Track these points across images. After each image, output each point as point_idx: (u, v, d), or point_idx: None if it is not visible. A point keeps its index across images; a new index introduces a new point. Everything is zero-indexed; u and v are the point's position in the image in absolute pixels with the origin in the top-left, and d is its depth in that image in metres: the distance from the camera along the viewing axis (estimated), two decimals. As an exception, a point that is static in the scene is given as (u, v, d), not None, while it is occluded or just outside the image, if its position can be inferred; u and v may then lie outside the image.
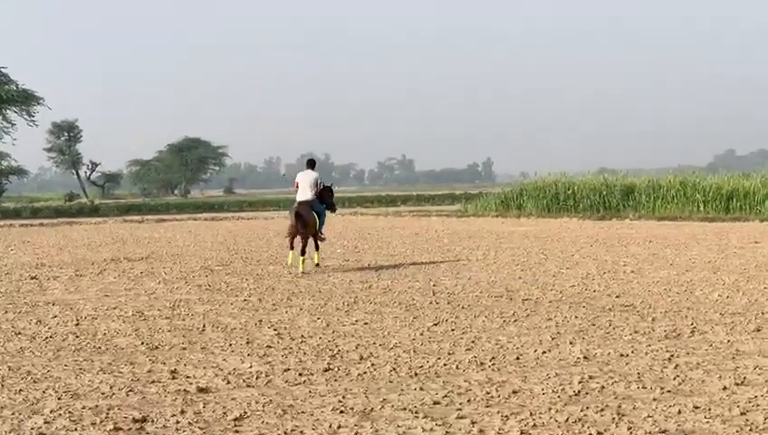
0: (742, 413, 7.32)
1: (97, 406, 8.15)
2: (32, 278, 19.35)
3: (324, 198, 20.97)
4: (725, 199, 39.51)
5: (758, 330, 11.21)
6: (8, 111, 79.45)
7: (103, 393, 8.68)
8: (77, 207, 66.39)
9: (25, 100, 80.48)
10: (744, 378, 8.57)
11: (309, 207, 20.29)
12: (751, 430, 6.86)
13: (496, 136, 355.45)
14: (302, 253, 19.68)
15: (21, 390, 8.69)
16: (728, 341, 10.52)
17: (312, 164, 21.25)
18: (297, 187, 20.68)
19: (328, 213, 21.13)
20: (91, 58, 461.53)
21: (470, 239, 28.92)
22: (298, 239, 19.88)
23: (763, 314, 12.53)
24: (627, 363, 9.43)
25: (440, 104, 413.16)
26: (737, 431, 6.82)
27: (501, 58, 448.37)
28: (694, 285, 15.94)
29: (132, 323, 13.01)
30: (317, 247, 20.50)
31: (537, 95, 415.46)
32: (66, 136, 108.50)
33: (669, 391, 8.14)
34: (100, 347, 11.22)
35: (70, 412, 7.90)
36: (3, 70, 79.81)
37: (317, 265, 20.21)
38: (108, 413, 7.87)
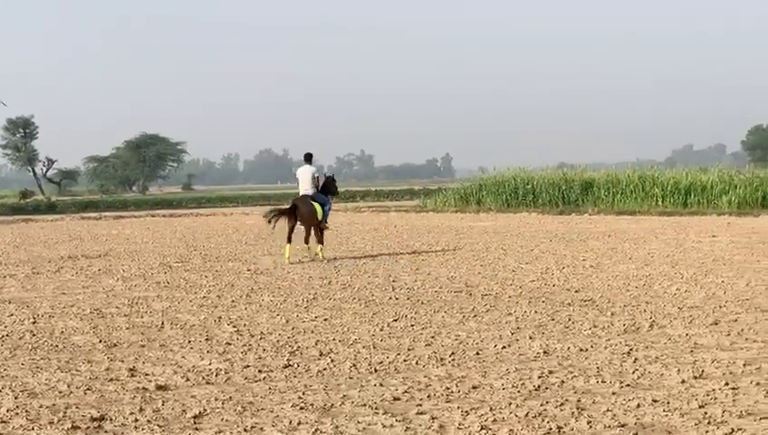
0: (700, 406, 7.40)
1: (54, 405, 8.08)
2: (-13, 276, 19.04)
3: (329, 189, 22.34)
4: (683, 194, 40.05)
5: (716, 323, 11.32)
6: None
7: (61, 392, 8.61)
8: (33, 204, 65.73)
9: None
10: (703, 371, 8.68)
11: (309, 199, 21.25)
12: (709, 423, 6.93)
13: (456, 131, 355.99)
14: (289, 240, 20.90)
15: (-24, 389, 8.50)
16: (686, 334, 10.64)
17: (308, 158, 22.08)
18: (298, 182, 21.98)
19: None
20: (47, 54, 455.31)
21: (429, 235, 29.00)
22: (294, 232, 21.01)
23: (720, 307, 12.65)
24: (586, 358, 9.50)
25: (399, 99, 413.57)
26: (696, 425, 6.90)
27: (460, 53, 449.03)
28: (652, 279, 16.09)
29: (90, 321, 12.90)
30: (320, 241, 21.47)
31: (496, 91, 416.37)
32: (22, 133, 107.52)
33: (628, 385, 8.22)
34: (57, 345, 11.12)
35: (27, 411, 7.83)
36: None
37: (318, 256, 21.31)
38: (65, 412, 7.80)
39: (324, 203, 21.59)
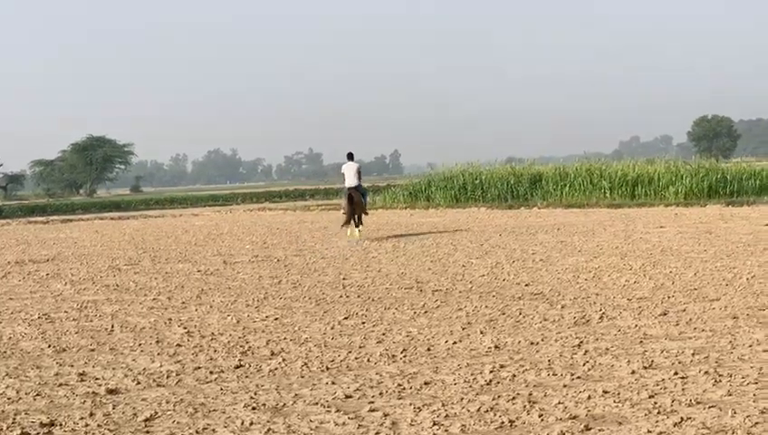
0: (650, 396, 7.50)
1: (3, 411, 8.03)
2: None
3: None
4: (631, 186, 40.32)
5: (665, 314, 11.44)
6: None
7: (9, 398, 8.58)
8: None
9: None
10: (652, 362, 8.79)
11: (356, 190, 26.43)
12: (659, 412, 7.02)
13: (403, 128, 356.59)
14: (357, 225, 26.55)
15: (-76, 396, 8.41)
16: (636, 325, 10.74)
17: (351, 156, 27.41)
18: (344, 177, 27.01)
19: None
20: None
21: (379, 232, 28.96)
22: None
23: (669, 298, 12.76)
24: (537, 351, 9.56)
25: (346, 97, 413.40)
26: (646, 415, 6.99)
27: (407, 51, 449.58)
28: (601, 271, 16.22)
29: (38, 326, 12.79)
30: (360, 223, 26.93)
31: (442, 87, 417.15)
32: None
33: (579, 377, 8.31)
34: (5, 351, 11.02)
35: None
36: None
37: (360, 235, 26.35)
38: (15, 418, 7.77)
39: (365, 193, 27.36)
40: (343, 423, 7.21)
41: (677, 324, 10.65)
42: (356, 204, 26.21)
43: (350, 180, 26.69)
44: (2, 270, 21.48)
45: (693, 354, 9.01)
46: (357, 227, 26.54)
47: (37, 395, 8.59)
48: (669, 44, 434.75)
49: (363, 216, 27.13)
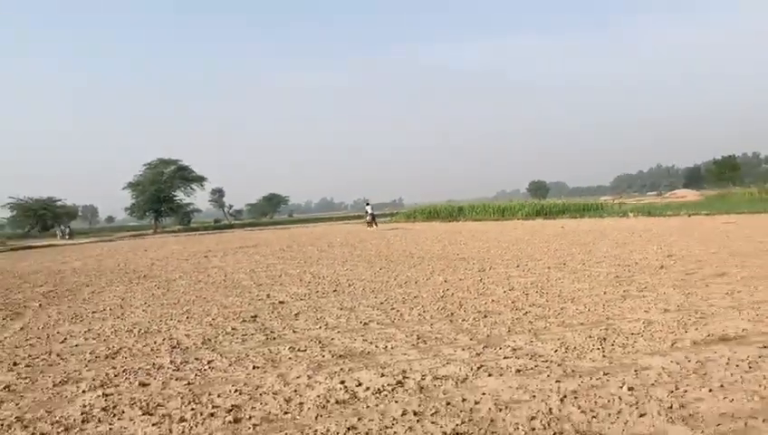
0: (512, 302, 7.56)
1: (235, 311, 7.91)
2: None
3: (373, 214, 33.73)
4: (502, 211, 41.27)
5: (518, 266, 11.27)
6: None
7: (237, 305, 8.40)
8: (221, 225, 66.33)
9: None
10: (512, 287, 8.77)
11: (372, 215, 33.10)
12: (516, 310, 7.05)
13: (405, 183, 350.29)
14: (375, 226, 31.91)
15: None
16: (505, 272, 10.63)
17: (368, 202, 33.46)
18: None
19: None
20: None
21: (393, 233, 29.09)
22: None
23: (519, 259, 12.48)
24: (463, 283, 9.47)
25: (381, 173, 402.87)
26: (510, 311, 7.00)
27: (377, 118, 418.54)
28: (490, 248, 15.71)
29: (249, 274, 12.58)
30: (376, 225, 32.62)
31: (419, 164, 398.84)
32: (218, 195, 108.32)
33: (481, 294, 8.30)
34: (235, 285, 10.75)
35: (223, 316, 7.70)
36: None
37: (376, 229, 30.30)
38: (239, 314, 7.66)
39: (375, 216, 33.28)
40: (379, 315, 7.20)
41: (523, 271, 10.60)
42: (371, 219, 32.85)
43: (370, 211, 33.20)
44: (233, 251, 21.27)
45: (530, 284, 8.98)
46: (375, 226, 32.39)
47: (249, 304, 8.63)
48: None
49: (376, 225, 33.18)
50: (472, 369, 4.97)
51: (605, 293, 7.84)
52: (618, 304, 7.07)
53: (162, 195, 61.69)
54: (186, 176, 64.40)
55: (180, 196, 64.51)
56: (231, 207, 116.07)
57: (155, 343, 6.49)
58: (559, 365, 4.98)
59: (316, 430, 3.99)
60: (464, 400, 4.38)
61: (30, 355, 6.29)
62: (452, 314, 7.07)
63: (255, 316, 7.55)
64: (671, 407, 4.09)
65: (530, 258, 12.55)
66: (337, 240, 25.14)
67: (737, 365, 4.76)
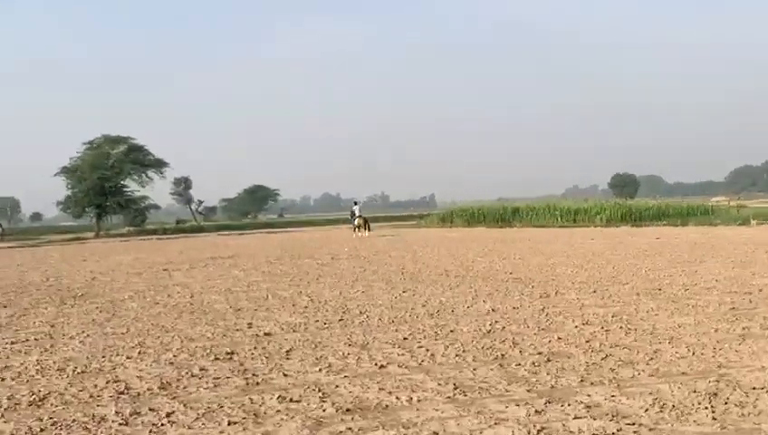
0: (586, 341, 7.62)
1: (204, 346, 8.18)
2: None
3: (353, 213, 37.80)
4: (573, 214, 41.45)
5: (595, 292, 11.63)
6: None
7: (208, 338, 8.72)
8: (189, 228, 67.64)
9: None
10: (587, 320, 8.92)
11: (362, 217, 35.71)
12: (592, 351, 7.11)
13: (437, 177, 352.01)
14: (366, 231, 33.91)
15: None
16: (577, 298, 10.89)
17: (356, 202, 36.97)
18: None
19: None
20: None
21: (422, 241, 29.23)
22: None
23: (597, 282, 12.88)
24: (517, 313, 9.70)
25: (407, 151, 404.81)
26: (584, 352, 7.09)
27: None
28: (555, 265, 16.36)
29: (224, 295, 13.03)
30: (369, 230, 35.77)
31: (460, 154, 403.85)
32: (183, 186, 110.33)
33: (543, 329, 8.43)
34: (205, 310, 11.40)
35: (187, 349, 8.05)
36: None
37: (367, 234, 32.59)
38: (210, 350, 7.87)
39: (367, 219, 36.07)
40: (402, 355, 7.27)
41: (602, 298, 10.81)
42: (363, 223, 35.34)
43: (358, 212, 36.13)
44: (203, 262, 22.04)
45: (612, 316, 9.14)
46: (366, 231, 35.24)
47: (223, 336, 8.81)
48: (598, 118, 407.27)
49: (369, 231, 35.68)
50: (530, 432, 4.93)
51: (716, 330, 7.89)
52: (734, 347, 7.08)
53: (108, 185, 62.04)
54: (140, 159, 64.78)
55: (132, 186, 65.22)
56: (200, 203, 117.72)
57: (95, 386, 6.52)
58: (651, 430, 4.89)
59: None
60: (519, 478, 4.53)
61: None
62: (502, 355, 7.12)
63: (232, 353, 7.67)
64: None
65: (612, 281, 12.86)
66: (344, 250, 25.39)
67: None
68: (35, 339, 9.09)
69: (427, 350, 7.48)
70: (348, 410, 5.58)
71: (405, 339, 8.10)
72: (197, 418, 5.53)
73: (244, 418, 5.47)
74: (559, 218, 42.52)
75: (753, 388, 5.72)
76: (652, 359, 6.74)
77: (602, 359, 6.79)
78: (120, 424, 5.42)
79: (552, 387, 5.97)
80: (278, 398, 5.97)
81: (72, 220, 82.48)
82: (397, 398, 5.84)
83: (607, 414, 5.23)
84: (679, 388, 5.79)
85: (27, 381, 6.87)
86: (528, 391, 5.90)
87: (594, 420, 5.11)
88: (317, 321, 9.64)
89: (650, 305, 9.81)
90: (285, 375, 6.70)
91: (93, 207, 62.69)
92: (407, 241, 31.05)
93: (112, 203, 62.70)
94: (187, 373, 6.89)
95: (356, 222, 36.66)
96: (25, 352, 8.24)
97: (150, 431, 5.26)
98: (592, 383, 6.02)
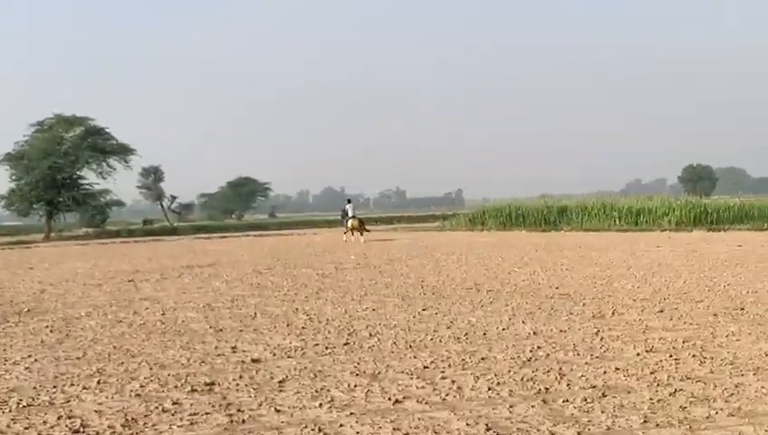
0: (651, 372, 7.63)
1: (177, 374, 8.32)
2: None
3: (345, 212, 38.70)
4: (635, 215, 41.13)
5: (661, 311, 11.70)
6: None
7: (182, 364, 8.82)
8: (160, 229, 67.93)
9: None
10: (652, 347, 8.94)
11: (355, 218, 36.62)
12: (658, 385, 7.13)
13: (465, 171, 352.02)
14: (361, 234, 34.55)
15: None
16: (639, 319, 10.94)
17: (349, 200, 36.95)
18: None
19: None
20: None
21: (446, 247, 29.24)
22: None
23: (664, 299, 13.00)
24: (565, 337, 9.78)
25: (424, 146, 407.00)
26: (648, 386, 7.11)
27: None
28: (612, 278, 16.52)
29: (203, 313, 13.24)
30: (366, 231, 36.41)
31: (494, 139, 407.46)
32: (152, 177, 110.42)
33: (597, 357, 8.46)
34: (179, 330, 11.42)
35: (158, 378, 8.13)
36: None
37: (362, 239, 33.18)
38: (186, 379, 7.99)
39: (362, 220, 36.50)
40: (422, 387, 7.30)
41: (671, 319, 10.86)
42: (359, 225, 35.74)
43: (351, 213, 36.42)
44: (177, 272, 22.32)
45: (683, 342, 9.17)
46: (361, 235, 35.70)
47: (202, 362, 8.90)
48: (668, 105, 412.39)
49: (365, 232, 36.47)
50: (581, 486, 4.98)
51: (813, 361, 7.94)
52: (835, 381, 7.20)
53: (61, 176, 62.31)
54: (100, 145, 65.01)
55: (91, 178, 65.40)
56: (174, 199, 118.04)
57: (45, 423, 6.52)
58: (731, 484, 4.96)
59: None
60: None
61: None
62: (546, 389, 7.18)
63: (212, 383, 7.76)
64: None
65: (683, 298, 12.97)
66: (350, 258, 25.41)
67: None
68: (-30, 365, 9.21)
69: (453, 381, 7.53)
70: (355, 455, 5.61)
71: (425, 368, 8.16)
72: (170, 463, 5.58)
73: (226, 464, 5.57)
74: (617, 221, 42.38)
75: None
76: (732, 395, 6.75)
77: (670, 394, 6.81)
78: (75, 471, 5.50)
79: (608, 429, 5.96)
80: (268, 439, 6.05)
81: (17, 219, 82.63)
82: (415, 441, 5.91)
83: (676, 463, 5.25)
84: (766, 431, 5.79)
85: (-39, 416, 6.90)
86: (578, 433, 5.89)
87: (661, 470, 5.10)
88: (317, 344, 9.71)
89: (730, 329, 9.84)
90: (278, 411, 6.71)
91: (43, 204, 62.96)
92: (427, 247, 31.13)
93: (66, 198, 62.70)
94: (156, 408, 6.89)
95: (349, 224, 36.42)
96: (-41, 381, 8.31)
97: (112, 480, 5.32)
98: (658, 425, 6.01)
